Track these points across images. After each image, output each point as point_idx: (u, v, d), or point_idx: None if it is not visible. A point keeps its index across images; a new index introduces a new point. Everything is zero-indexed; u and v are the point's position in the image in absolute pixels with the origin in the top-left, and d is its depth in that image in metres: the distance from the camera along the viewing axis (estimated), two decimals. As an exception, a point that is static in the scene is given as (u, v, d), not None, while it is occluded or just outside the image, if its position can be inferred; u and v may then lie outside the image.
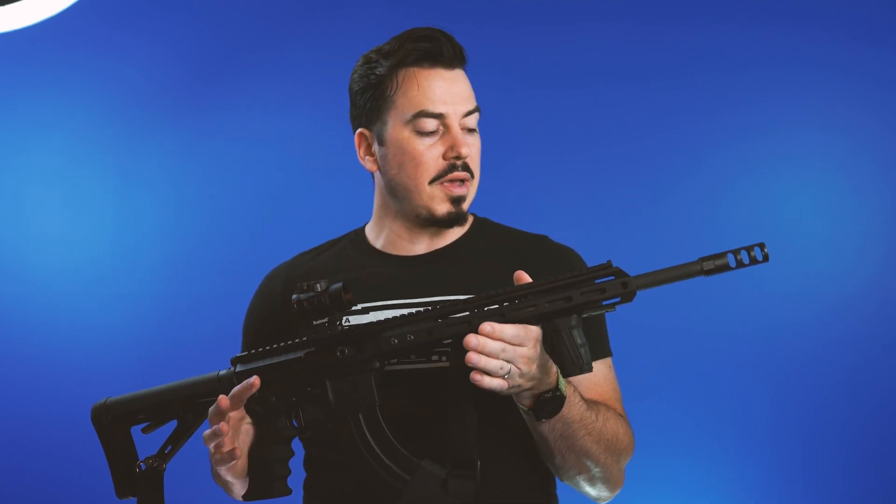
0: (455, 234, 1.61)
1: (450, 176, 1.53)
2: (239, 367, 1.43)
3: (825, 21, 2.69)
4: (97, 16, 2.91)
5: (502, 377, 1.29)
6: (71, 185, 2.90)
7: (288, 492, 1.42)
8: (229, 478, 1.42)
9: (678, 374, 2.67)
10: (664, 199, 2.72)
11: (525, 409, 1.38)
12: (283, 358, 1.40)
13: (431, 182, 1.53)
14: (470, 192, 1.56)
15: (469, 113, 1.55)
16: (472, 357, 1.28)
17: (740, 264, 1.27)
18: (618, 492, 1.53)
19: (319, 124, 2.88)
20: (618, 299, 1.30)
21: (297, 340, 1.40)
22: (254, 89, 2.92)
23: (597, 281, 1.30)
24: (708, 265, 1.28)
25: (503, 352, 1.28)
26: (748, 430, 2.65)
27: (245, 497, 1.44)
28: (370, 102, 1.57)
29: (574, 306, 1.29)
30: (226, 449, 1.37)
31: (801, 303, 2.64)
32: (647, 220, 2.71)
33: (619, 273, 1.29)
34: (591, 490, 1.50)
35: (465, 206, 1.55)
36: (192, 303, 2.84)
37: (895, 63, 2.66)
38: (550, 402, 1.36)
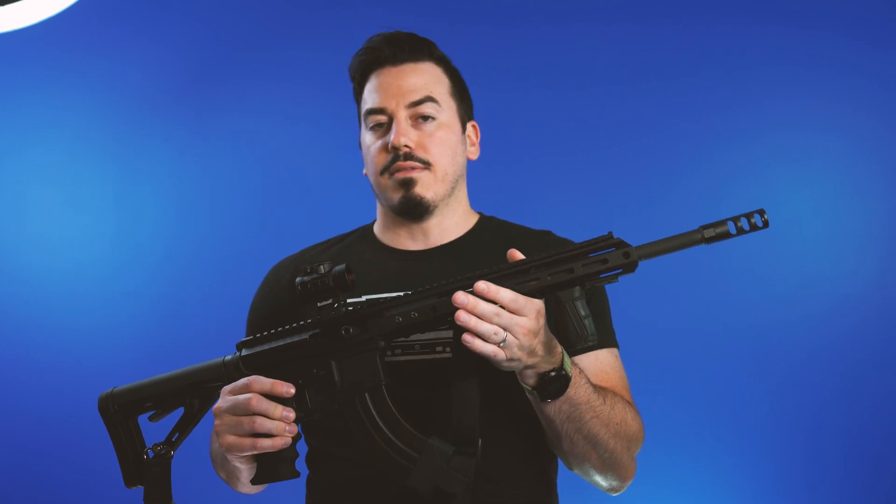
0: (459, 230, 1.64)
1: (392, 167, 1.56)
2: (245, 352, 1.43)
3: (825, 21, 2.69)
4: (97, 16, 2.91)
5: (497, 344, 1.27)
6: (72, 185, 2.90)
7: (296, 475, 1.41)
8: (238, 463, 1.42)
9: (678, 373, 2.67)
10: (664, 198, 2.72)
11: (529, 388, 1.37)
12: (288, 340, 1.40)
13: (382, 174, 1.58)
14: (424, 177, 1.57)
15: (418, 102, 1.57)
16: (462, 316, 1.26)
17: (741, 231, 1.27)
18: (629, 483, 1.52)
19: (320, 124, 2.88)
20: (619, 270, 1.29)
21: (301, 323, 1.40)
22: (254, 89, 2.92)
23: (598, 252, 1.30)
24: (709, 233, 1.28)
25: (497, 316, 1.27)
26: (748, 429, 2.65)
27: (253, 481, 1.43)
28: (357, 116, 1.67)
29: (576, 278, 1.29)
30: (282, 441, 1.35)
31: (801, 303, 2.64)
32: (648, 219, 2.71)
33: (621, 244, 1.29)
34: (601, 479, 1.49)
35: (421, 190, 1.56)
36: (193, 301, 2.84)
37: (895, 63, 2.66)
38: (555, 381, 1.35)
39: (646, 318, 2.61)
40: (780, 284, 2.62)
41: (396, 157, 1.56)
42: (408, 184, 1.56)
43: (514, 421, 1.50)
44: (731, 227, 1.27)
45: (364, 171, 1.65)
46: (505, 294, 1.27)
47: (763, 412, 2.64)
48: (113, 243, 2.89)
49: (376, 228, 1.68)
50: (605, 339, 1.57)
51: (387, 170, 1.57)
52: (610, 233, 1.30)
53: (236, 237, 2.86)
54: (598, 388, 1.43)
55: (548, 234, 1.65)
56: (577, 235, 1.69)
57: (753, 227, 1.26)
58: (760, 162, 2.69)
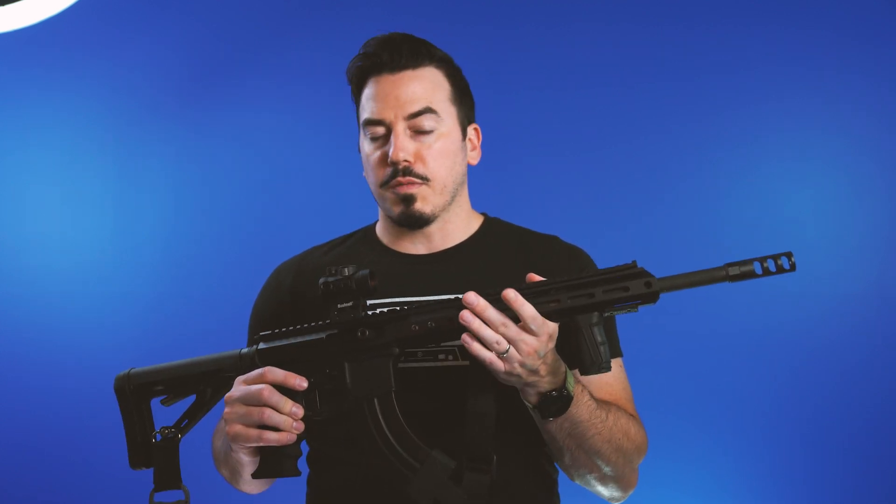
0: (464, 233, 1.62)
1: (392, 182, 1.54)
2: (262, 345, 1.44)
3: (825, 21, 2.69)
4: (97, 16, 2.91)
5: (498, 354, 1.27)
6: (72, 185, 2.90)
7: (297, 473, 1.41)
8: (241, 454, 1.42)
9: (677, 374, 2.67)
10: (665, 199, 2.72)
11: (531, 406, 1.38)
12: (305, 338, 1.41)
13: (382, 186, 1.56)
14: (423, 192, 1.55)
15: (416, 114, 1.54)
16: (466, 315, 1.27)
17: (767, 272, 1.26)
18: (631, 492, 1.53)
19: (320, 125, 2.88)
20: (639, 300, 1.29)
21: (320, 322, 1.41)
22: (254, 89, 2.92)
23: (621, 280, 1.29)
24: (733, 271, 1.27)
25: (504, 326, 1.27)
26: (748, 429, 2.64)
27: (254, 475, 1.44)
28: (356, 120, 1.64)
29: (596, 303, 1.29)
30: (286, 439, 1.36)
31: (801, 303, 2.64)
32: (648, 219, 2.71)
33: (643, 274, 1.28)
34: (603, 490, 1.50)
35: (422, 206, 1.55)
36: (193, 301, 2.84)
37: (895, 63, 2.66)
38: (556, 401, 1.36)
39: (644, 320, 2.60)
40: (779, 284, 2.61)
41: (396, 171, 1.53)
42: (408, 200, 1.54)
43: (519, 433, 1.50)
44: (756, 267, 1.26)
45: (364, 174, 1.64)
46: (528, 310, 1.27)
47: (763, 413, 2.64)
48: (113, 243, 2.89)
49: (379, 230, 1.67)
50: (612, 348, 1.55)
51: (386, 184, 1.55)
52: (634, 262, 1.30)
53: (236, 237, 2.86)
54: (601, 404, 1.43)
55: (554, 239, 1.64)
56: (579, 237, 1.70)
57: (780, 270, 1.25)
58: (760, 162, 2.69)
